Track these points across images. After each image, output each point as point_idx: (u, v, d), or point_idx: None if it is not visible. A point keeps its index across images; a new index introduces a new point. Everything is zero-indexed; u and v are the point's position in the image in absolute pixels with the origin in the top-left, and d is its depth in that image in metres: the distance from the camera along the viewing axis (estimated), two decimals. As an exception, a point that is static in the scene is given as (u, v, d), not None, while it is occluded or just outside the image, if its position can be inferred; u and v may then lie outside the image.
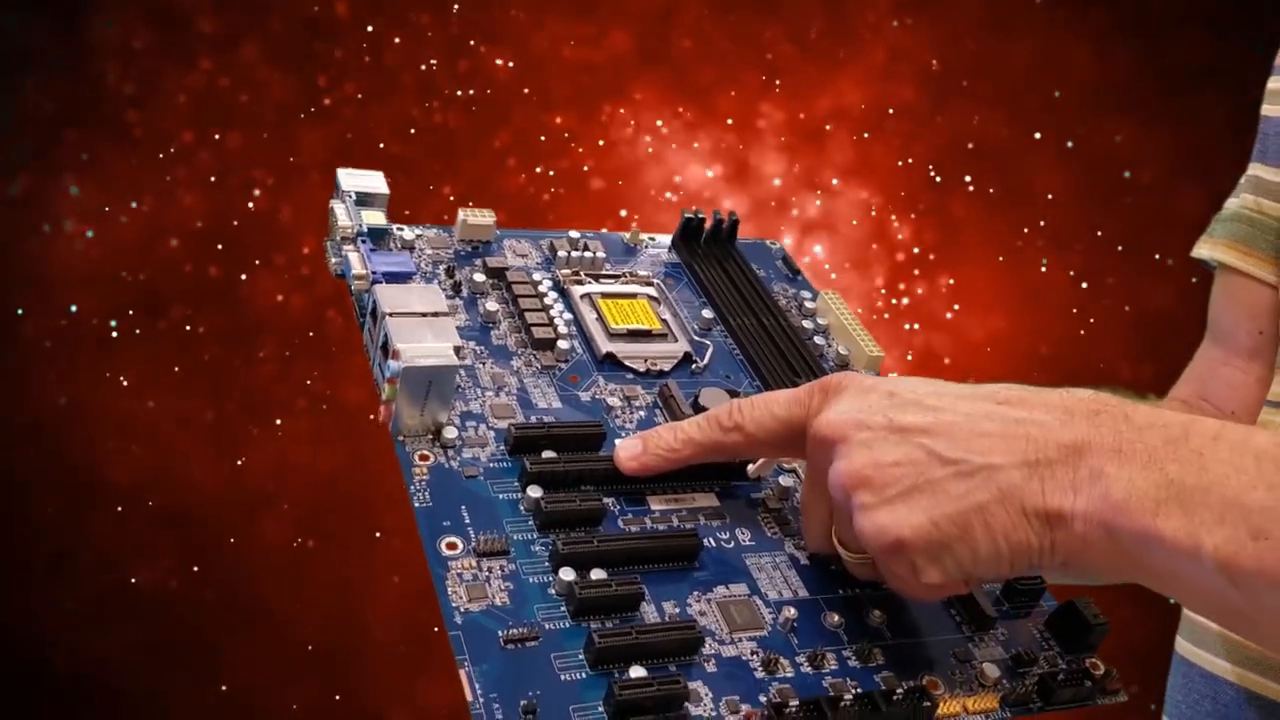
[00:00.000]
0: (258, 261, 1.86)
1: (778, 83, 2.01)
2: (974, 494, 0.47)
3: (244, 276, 1.86)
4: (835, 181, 2.03)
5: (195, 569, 1.79)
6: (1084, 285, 1.98)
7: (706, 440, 0.57)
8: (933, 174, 2.01)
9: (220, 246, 1.85)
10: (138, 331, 1.82)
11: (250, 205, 1.86)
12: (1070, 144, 1.99)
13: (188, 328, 1.83)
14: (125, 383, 1.80)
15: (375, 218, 0.70)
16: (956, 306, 2.01)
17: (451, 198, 1.92)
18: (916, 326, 2.02)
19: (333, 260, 0.69)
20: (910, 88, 2.02)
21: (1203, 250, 0.79)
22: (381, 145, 1.88)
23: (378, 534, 1.83)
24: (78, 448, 1.78)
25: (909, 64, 2.01)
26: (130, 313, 1.81)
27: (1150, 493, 0.44)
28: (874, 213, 2.03)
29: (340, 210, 0.69)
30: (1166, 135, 1.90)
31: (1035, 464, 0.46)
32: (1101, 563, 0.46)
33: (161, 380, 1.82)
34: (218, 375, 1.84)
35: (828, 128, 2.03)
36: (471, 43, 1.92)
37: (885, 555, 0.49)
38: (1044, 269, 2.00)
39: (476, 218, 0.76)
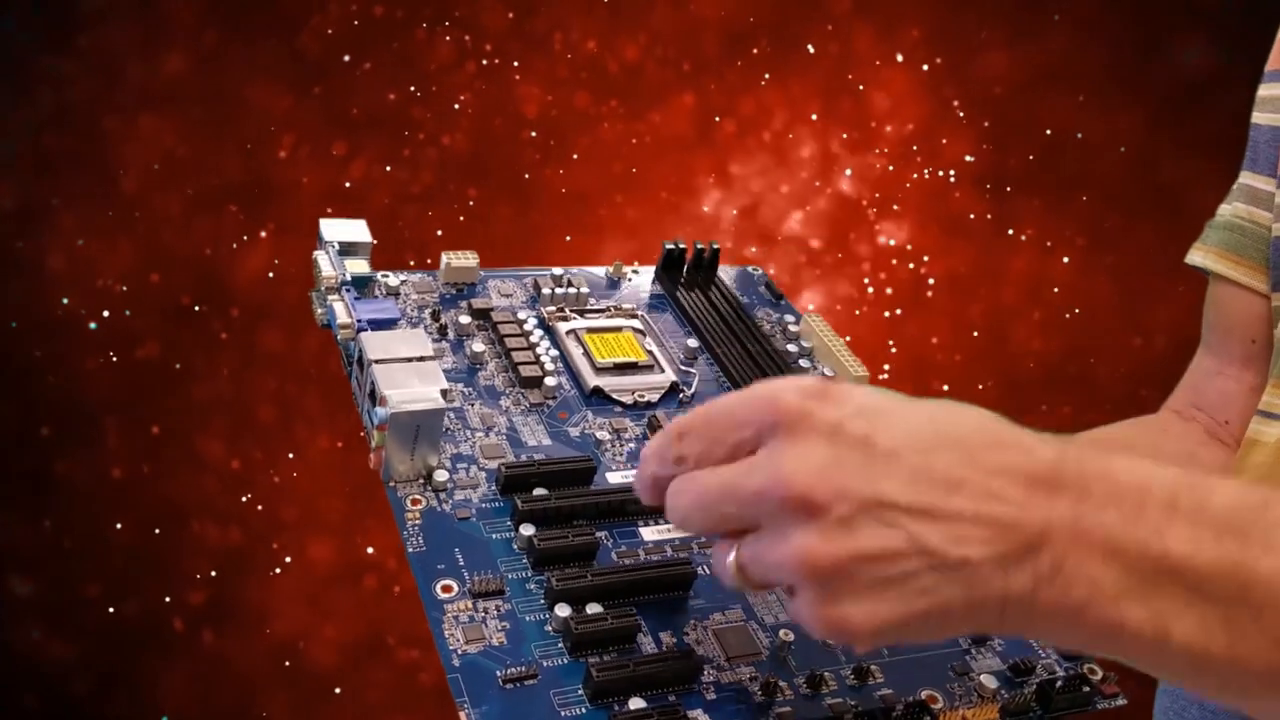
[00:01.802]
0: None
1: (766, 75, 2.02)
2: (944, 589, 0.43)
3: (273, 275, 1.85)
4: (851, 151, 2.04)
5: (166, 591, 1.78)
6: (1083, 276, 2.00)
7: (665, 473, 0.50)
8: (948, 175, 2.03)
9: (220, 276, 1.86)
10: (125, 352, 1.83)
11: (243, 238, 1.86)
12: (1079, 134, 2.00)
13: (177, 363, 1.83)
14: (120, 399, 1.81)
15: (359, 266, 0.71)
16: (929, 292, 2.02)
17: (471, 202, 1.92)
18: (899, 311, 2.03)
19: (319, 310, 0.70)
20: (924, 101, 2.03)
21: (1195, 257, 0.80)
22: (388, 169, 1.89)
23: (369, 549, 1.83)
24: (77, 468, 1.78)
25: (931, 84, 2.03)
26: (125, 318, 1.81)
27: (1111, 586, 0.42)
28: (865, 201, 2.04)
29: (324, 261, 0.70)
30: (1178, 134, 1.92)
31: (1002, 558, 0.43)
32: (1061, 642, 0.46)
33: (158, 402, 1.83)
34: (220, 402, 1.84)
35: (845, 135, 2.04)
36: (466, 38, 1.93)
37: (832, 638, 0.45)
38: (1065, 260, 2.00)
39: (460, 260, 0.77)
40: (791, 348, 0.78)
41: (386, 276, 0.75)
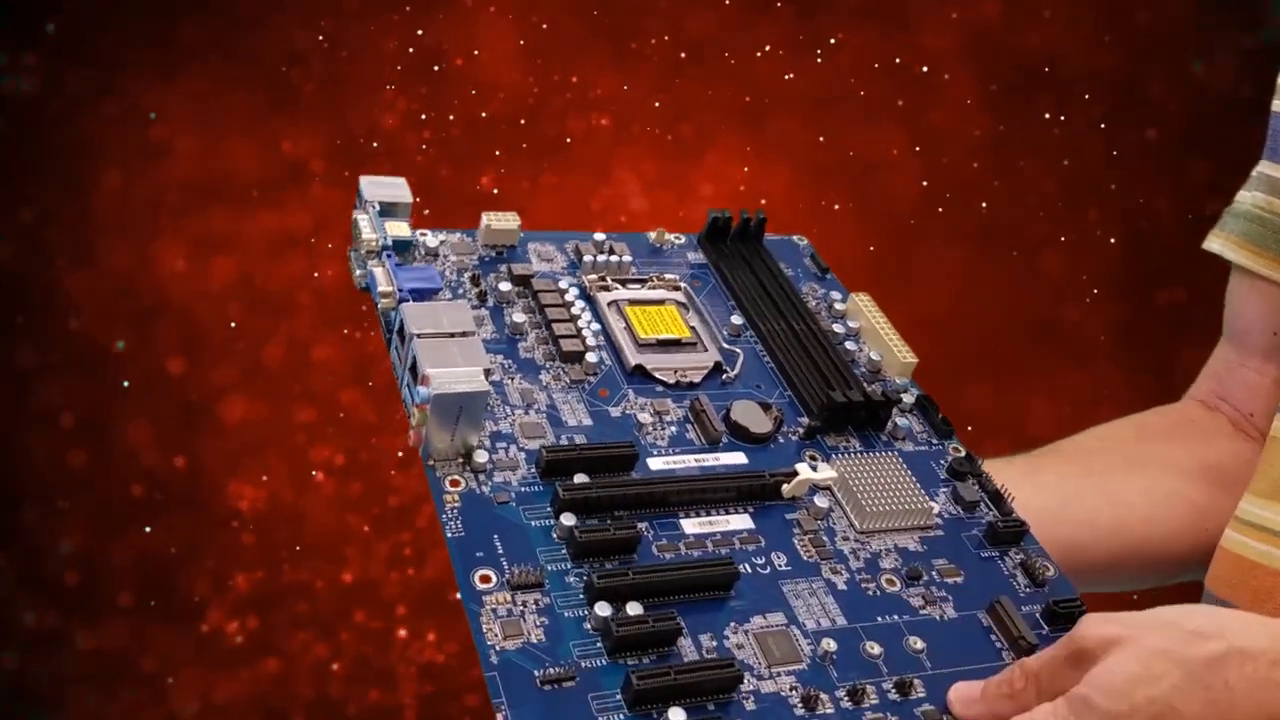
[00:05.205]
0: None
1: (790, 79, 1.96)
2: None
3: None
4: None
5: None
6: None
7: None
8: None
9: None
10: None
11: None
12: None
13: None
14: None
15: (399, 229, 0.68)
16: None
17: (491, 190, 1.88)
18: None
19: (357, 272, 0.68)
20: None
21: (1214, 245, 0.79)
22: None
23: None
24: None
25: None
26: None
27: None
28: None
29: (364, 222, 0.68)
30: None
31: None
32: None
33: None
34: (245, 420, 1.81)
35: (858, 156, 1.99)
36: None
37: None
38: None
39: (500, 222, 0.75)
40: (838, 328, 0.76)
41: (425, 236, 0.73)
